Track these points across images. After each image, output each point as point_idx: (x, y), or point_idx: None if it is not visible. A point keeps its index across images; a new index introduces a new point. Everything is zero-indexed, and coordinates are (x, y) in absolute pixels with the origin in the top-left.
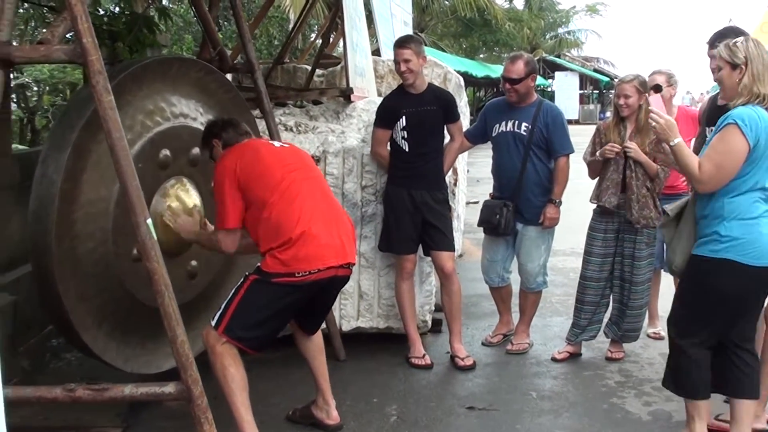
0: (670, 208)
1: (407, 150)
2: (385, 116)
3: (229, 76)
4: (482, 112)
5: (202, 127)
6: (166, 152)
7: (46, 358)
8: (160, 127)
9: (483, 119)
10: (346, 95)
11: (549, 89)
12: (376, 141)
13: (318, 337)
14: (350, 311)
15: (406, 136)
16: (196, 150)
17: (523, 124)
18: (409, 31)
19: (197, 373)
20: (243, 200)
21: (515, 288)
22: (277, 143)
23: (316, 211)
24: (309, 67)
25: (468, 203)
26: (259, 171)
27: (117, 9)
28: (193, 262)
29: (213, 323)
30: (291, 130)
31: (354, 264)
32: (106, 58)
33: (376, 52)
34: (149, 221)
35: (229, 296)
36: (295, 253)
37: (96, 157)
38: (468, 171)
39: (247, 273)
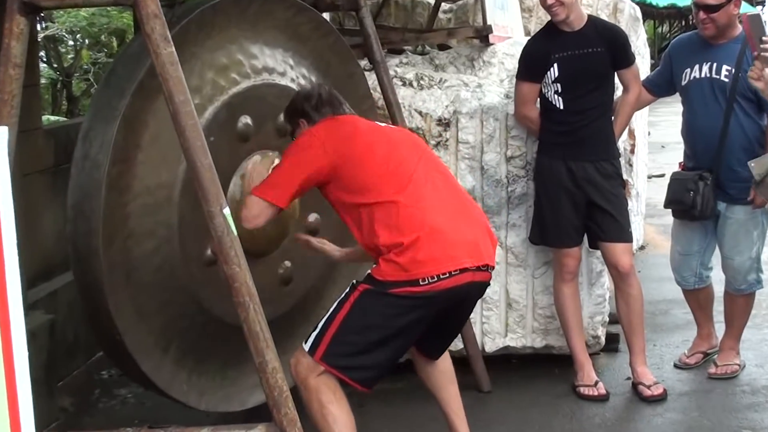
0: None
1: (562, 108)
2: (530, 65)
3: (326, 16)
4: (666, 54)
5: (293, 85)
6: (246, 120)
7: (94, 394)
8: (238, 87)
9: (668, 63)
10: (483, 36)
11: None
12: (521, 99)
13: (446, 362)
14: (495, 326)
15: (559, 89)
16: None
17: (724, 67)
18: None
19: (295, 411)
20: (313, 184)
21: (718, 290)
22: (382, 123)
23: (439, 201)
24: (431, 1)
25: (650, 177)
26: (361, 153)
27: None
28: (286, 263)
29: (306, 347)
30: (410, 85)
31: (493, 267)
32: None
33: None
34: (227, 211)
35: (330, 311)
36: (414, 254)
37: (154, 130)
38: (649, 134)
39: (354, 281)
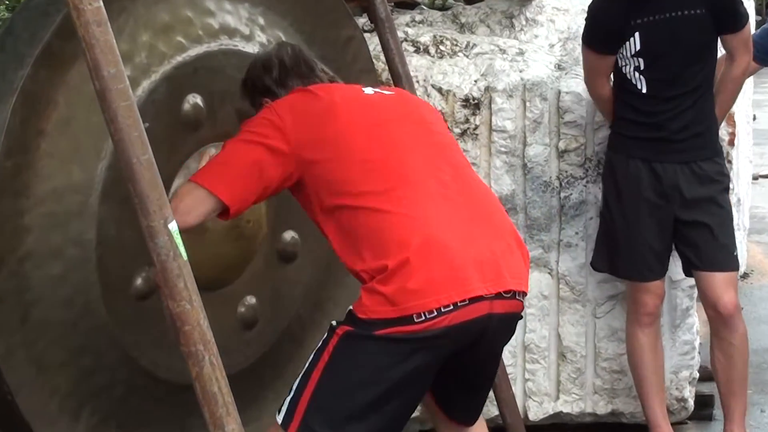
0: None
1: (645, 92)
2: (599, 33)
3: None
4: None
5: (260, 50)
6: (195, 99)
7: None
8: (185, 55)
9: None
10: None
11: None
12: (590, 71)
13: (480, 430)
14: (543, 384)
15: (641, 66)
16: None
17: None
18: None
19: None
20: (276, 183)
21: None
22: (370, 89)
23: (446, 206)
24: None
25: (756, 178)
26: (336, 137)
27: None
28: (250, 299)
29: (279, 418)
30: (426, 51)
31: (524, 293)
32: None
33: None
34: (174, 226)
35: (305, 366)
36: (404, 280)
37: (65, 111)
38: (754, 118)
39: (334, 322)
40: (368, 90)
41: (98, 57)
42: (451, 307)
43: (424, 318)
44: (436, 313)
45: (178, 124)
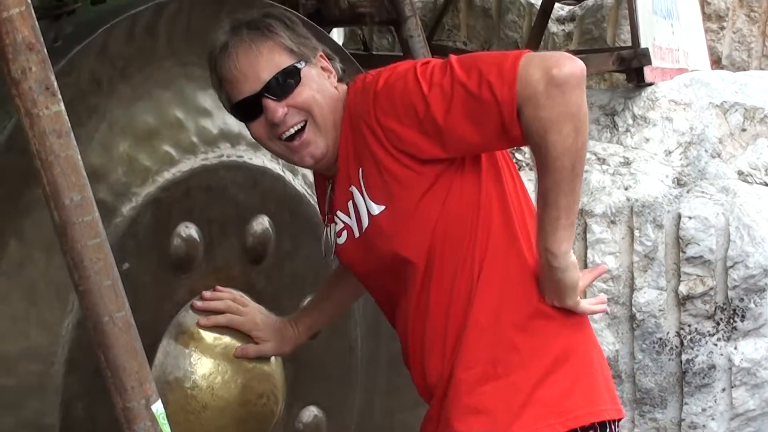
0: None
1: None
2: None
3: (337, 34)
4: None
5: (272, 166)
6: (188, 230)
7: None
8: (176, 169)
9: None
10: (633, 68)
11: None
12: None
13: None
14: None
15: None
16: (261, 221)
17: None
18: None
19: None
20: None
21: None
22: None
23: None
24: (536, 1)
25: None
26: None
27: None
28: None
29: None
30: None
31: None
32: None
33: None
34: (158, 407)
35: None
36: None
37: (17, 253)
38: None
39: None
40: None
41: (57, 179)
42: None
43: None
44: None
45: (166, 265)
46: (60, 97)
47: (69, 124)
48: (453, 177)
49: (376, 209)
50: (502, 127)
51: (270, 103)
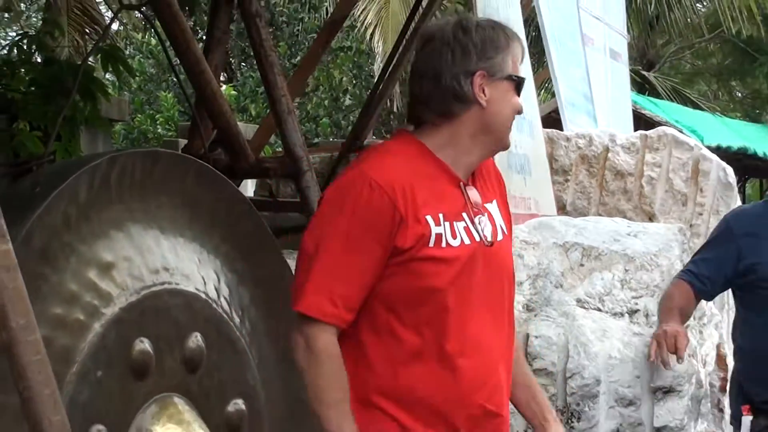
0: None
1: None
2: None
3: (251, 183)
4: (727, 227)
5: (201, 293)
6: (143, 344)
7: None
8: (130, 296)
9: (733, 246)
10: None
11: None
12: None
13: None
14: None
15: None
16: (195, 338)
17: None
18: (621, 68)
19: None
20: (381, 266)
21: None
22: None
23: None
24: None
25: None
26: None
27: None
28: None
29: None
30: None
31: None
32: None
33: (553, 115)
34: None
35: None
36: None
37: None
38: None
39: None
40: None
41: (6, 305)
42: None
43: None
44: None
45: (128, 373)
46: (9, 237)
47: (16, 261)
48: None
49: (505, 230)
50: None
51: None
